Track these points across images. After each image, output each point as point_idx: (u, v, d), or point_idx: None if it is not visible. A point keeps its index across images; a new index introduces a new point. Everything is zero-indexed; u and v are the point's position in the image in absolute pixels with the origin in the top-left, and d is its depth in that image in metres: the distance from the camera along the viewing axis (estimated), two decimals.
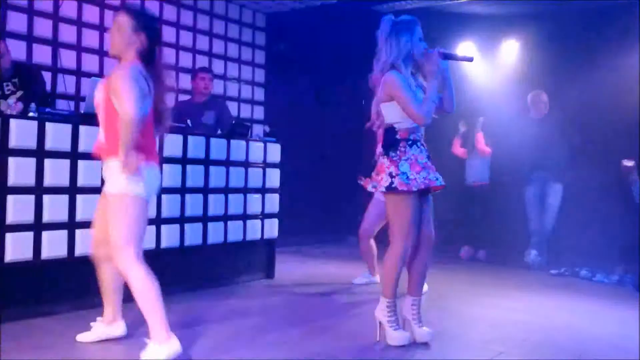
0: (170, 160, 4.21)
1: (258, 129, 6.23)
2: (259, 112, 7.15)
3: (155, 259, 3.20)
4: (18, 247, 3.40)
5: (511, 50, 7.11)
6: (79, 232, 3.66)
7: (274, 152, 5.08)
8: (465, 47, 7.03)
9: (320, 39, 7.20)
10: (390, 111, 3.28)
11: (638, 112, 5.95)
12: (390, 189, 3.21)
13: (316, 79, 7.22)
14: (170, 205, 4.24)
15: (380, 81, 3.29)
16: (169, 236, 4.25)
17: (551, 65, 6.58)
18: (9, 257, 3.37)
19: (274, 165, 5.08)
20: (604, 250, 5.85)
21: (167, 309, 2.81)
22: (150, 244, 4.04)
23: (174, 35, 6.28)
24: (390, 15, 3.32)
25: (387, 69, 3.25)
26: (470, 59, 3.44)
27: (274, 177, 5.08)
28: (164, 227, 4.20)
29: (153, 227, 4.08)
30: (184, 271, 4.39)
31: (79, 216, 3.67)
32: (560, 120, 6.20)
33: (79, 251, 3.64)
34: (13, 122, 3.38)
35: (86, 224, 3.67)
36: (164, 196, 4.13)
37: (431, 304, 4.06)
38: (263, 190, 5.00)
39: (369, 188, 3.36)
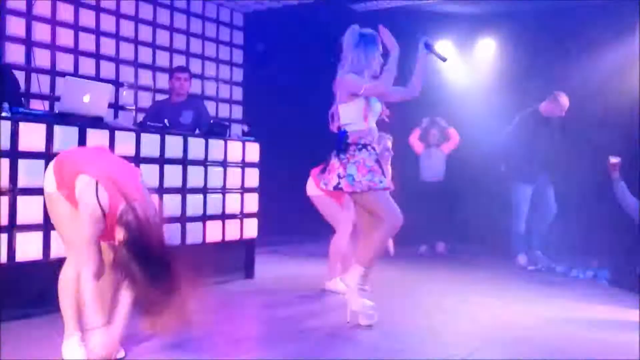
0: (148, 160, 4.18)
1: (236, 129, 6.21)
2: (238, 112, 7.13)
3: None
4: None
5: (488, 48, 7.19)
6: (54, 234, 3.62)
7: (253, 151, 5.07)
8: (442, 45, 7.08)
9: (299, 37, 7.20)
10: (345, 112, 3.54)
11: (613, 109, 6.08)
12: (337, 189, 3.50)
13: (294, 78, 7.22)
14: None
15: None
16: None
17: (528, 63, 6.67)
18: None
19: (252, 165, 5.07)
20: (579, 247, 5.95)
21: None
22: None
23: (150, 35, 6.23)
24: (356, 25, 3.57)
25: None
26: (444, 59, 3.68)
27: (252, 177, 5.07)
28: None
29: None
30: None
31: None
32: (538, 120, 6.19)
33: (54, 253, 3.59)
34: None
35: None
36: None
37: (406, 300, 4.09)
38: (242, 190, 4.99)
39: (321, 185, 3.65)
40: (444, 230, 6.70)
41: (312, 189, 4.70)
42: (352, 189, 3.44)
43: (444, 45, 7.11)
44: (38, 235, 3.56)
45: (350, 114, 3.50)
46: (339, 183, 3.46)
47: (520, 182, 6.10)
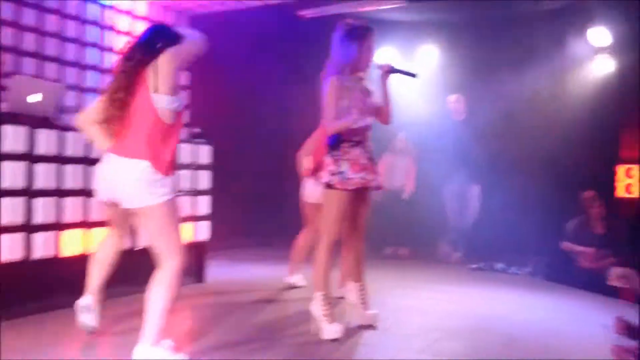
0: (94, 162, 4.07)
1: (184, 132, 6.13)
2: (185, 115, 7.02)
3: (82, 264, 3.11)
4: None
5: (430, 55, 7.43)
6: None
7: (205, 154, 5.03)
8: (386, 52, 7.27)
9: (246, 41, 7.20)
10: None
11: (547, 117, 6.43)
12: (328, 186, 3.40)
13: (241, 81, 7.21)
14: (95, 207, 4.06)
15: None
16: (95, 240, 4.09)
17: (468, 69, 6.94)
18: None
19: (205, 167, 5.03)
20: (517, 245, 6.24)
21: None
22: (78, 248, 3.91)
23: (98, 35, 6.09)
24: (349, 19, 3.46)
25: (334, 72, 3.40)
26: (415, 75, 3.55)
27: (205, 179, 5.04)
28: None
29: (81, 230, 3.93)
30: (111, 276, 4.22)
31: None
32: (479, 124, 6.55)
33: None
34: None
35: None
36: (86, 198, 3.96)
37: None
38: (194, 193, 4.94)
39: (314, 184, 3.53)
40: (405, 234, 6.84)
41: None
42: (344, 186, 3.36)
43: (387, 51, 7.29)
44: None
45: (340, 113, 3.39)
46: (330, 180, 3.38)
47: (444, 183, 6.66)
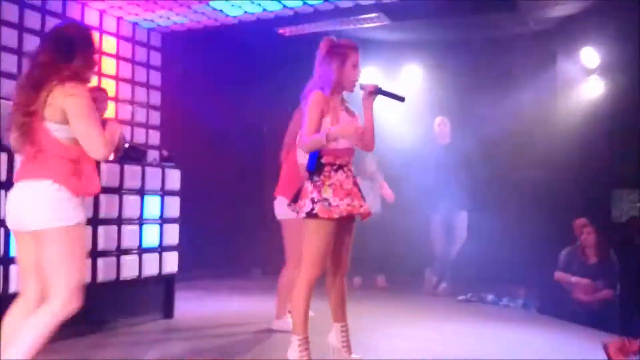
0: None
1: (154, 155, 5.77)
2: (155, 137, 6.66)
3: None
4: None
5: (415, 75, 7.18)
6: None
7: (173, 178, 4.67)
8: (368, 72, 6.98)
9: (221, 59, 6.89)
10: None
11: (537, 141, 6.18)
12: (311, 215, 3.04)
13: (217, 102, 6.87)
14: None
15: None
16: None
17: (455, 92, 6.68)
18: None
19: (173, 193, 4.66)
20: (508, 275, 5.92)
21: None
22: None
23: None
24: (331, 37, 3.20)
25: (316, 89, 3.12)
26: (403, 99, 3.23)
27: (173, 206, 4.66)
28: None
29: None
30: None
31: None
32: (465, 148, 6.22)
33: None
34: None
35: None
36: None
37: None
38: (161, 221, 4.56)
39: (292, 213, 3.22)
40: (381, 263, 6.48)
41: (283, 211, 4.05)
42: (329, 215, 3.02)
43: (370, 71, 7.01)
44: None
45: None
46: (312, 209, 3.03)
47: (430, 211, 6.31)
